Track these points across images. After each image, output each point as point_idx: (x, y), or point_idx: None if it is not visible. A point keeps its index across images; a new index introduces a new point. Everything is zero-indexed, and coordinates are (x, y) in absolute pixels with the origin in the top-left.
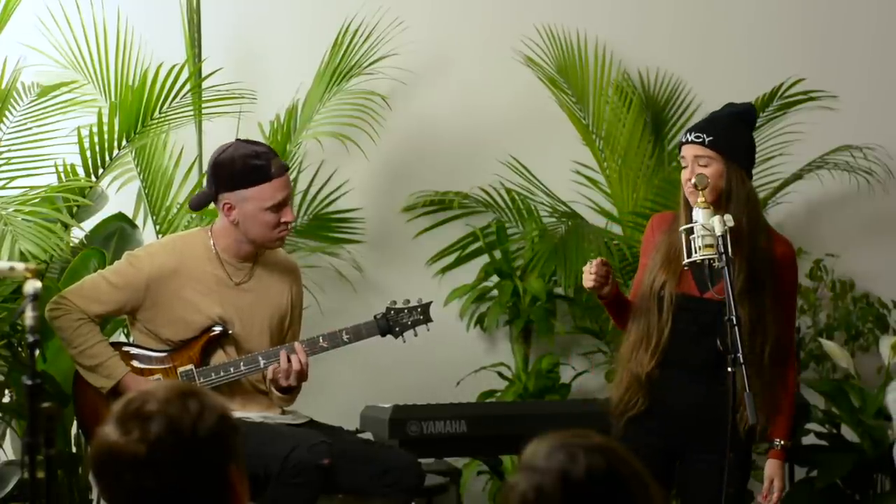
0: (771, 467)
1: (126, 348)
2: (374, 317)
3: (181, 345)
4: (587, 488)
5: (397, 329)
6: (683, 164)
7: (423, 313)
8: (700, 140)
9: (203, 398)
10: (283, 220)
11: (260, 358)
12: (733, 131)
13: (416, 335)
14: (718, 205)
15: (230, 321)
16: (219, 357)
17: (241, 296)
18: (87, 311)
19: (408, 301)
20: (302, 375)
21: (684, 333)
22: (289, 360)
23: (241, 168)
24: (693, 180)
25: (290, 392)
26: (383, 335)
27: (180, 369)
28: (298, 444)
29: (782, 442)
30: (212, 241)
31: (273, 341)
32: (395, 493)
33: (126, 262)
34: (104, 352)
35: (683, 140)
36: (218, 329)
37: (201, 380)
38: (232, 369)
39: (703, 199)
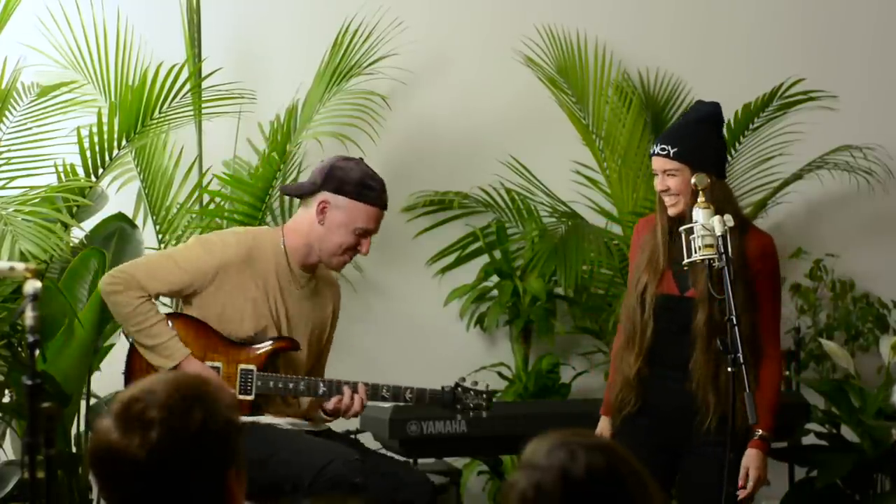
0: (748, 457)
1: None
2: (442, 387)
3: (249, 341)
4: (587, 486)
5: (458, 407)
6: (654, 174)
7: (486, 400)
8: (665, 153)
9: (206, 402)
10: (358, 247)
11: (321, 385)
12: (698, 138)
13: (472, 416)
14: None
15: (280, 326)
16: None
17: (294, 304)
18: (147, 289)
19: (475, 383)
20: (357, 415)
21: (666, 333)
22: (351, 399)
23: (356, 179)
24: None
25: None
26: (444, 407)
27: (242, 366)
28: (335, 458)
29: (761, 432)
30: (283, 241)
31: (311, 353)
32: None
33: (199, 246)
34: (164, 332)
35: (652, 152)
36: (289, 342)
37: (258, 383)
38: (291, 385)
39: (702, 200)
